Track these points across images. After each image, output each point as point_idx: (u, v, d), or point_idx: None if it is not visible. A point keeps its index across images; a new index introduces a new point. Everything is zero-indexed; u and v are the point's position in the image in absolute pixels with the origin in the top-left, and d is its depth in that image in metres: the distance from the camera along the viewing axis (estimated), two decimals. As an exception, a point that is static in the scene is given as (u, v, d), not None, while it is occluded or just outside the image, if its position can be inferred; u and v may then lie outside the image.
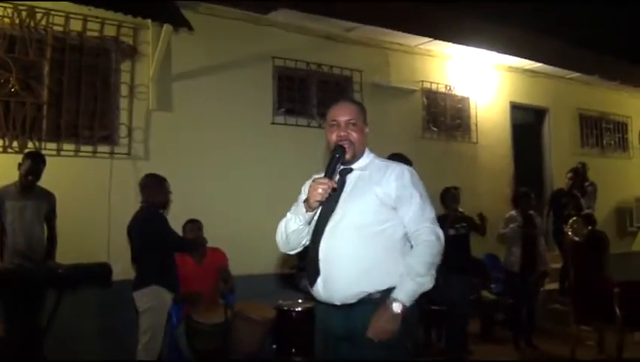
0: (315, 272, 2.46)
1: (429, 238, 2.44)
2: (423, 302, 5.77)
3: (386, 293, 2.39)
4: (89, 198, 5.53)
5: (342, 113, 2.57)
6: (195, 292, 4.93)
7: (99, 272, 4.47)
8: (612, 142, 10.76)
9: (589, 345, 6.01)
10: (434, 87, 8.22)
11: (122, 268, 4.87)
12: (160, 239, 4.39)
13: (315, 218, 2.51)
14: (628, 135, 11.02)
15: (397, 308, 2.34)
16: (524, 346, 6.24)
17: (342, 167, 2.54)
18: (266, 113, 6.75)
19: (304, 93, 7.19)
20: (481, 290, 6.85)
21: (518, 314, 6.38)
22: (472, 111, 8.62)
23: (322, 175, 2.45)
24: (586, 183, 8.82)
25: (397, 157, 2.88)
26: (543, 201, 8.86)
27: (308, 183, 2.61)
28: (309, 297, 5.72)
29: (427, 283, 2.41)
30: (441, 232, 2.50)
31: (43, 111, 5.54)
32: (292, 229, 2.54)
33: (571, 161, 9.13)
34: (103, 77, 5.85)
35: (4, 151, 5.25)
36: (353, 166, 2.57)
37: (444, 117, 8.34)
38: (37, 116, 5.49)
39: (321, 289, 2.46)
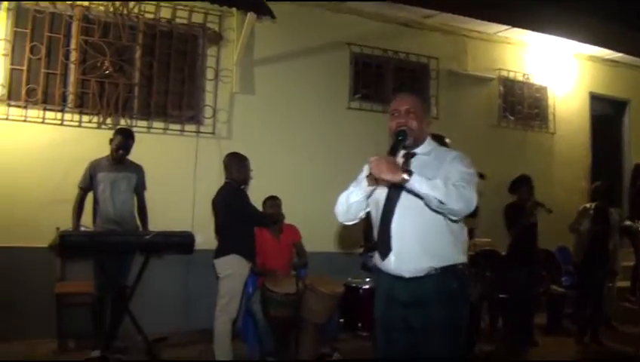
0: (388, 248, 2.70)
1: (467, 191, 2.50)
2: (489, 289, 5.89)
3: (448, 268, 2.66)
4: (176, 173, 5.98)
5: (401, 103, 2.80)
6: (271, 269, 5.21)
7: (183, 240, 4.69)
8: (696, 136, 10.22)
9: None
10: (511, 75, 8.16)
11: (204, 239, 5.15)
12: (241, 213, 4.66)
13: (384, 198, 2.73)
14: None
15: (407, 175, 2.43)
16: (589, 341, 6.12)
17: (405, 151, 2.76)
18: (342, 98, 6.97)
19: (380, 80, 7.31)
20: (550, 283, 6.79)
21: (583, 308, 6.26)
22: (550, 101, 8.50)
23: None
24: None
25: (436, 138, 3.06)
26: (622, 195, 8.63)
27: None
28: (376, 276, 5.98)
29: (440, 192, 2.44)
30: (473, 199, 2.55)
31: (134, 91, 6.00)
32: (353, 200, 2.75)
33: (653, 155, 8.87)
34: (190, 61, 6.23)
35: (99, 127, 5.75)
36: (416, 151, 2.78)
37: (521, 106, 8.27)
38: (129, 96, 5.97)
39: (392, 263, 2.70)
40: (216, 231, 4.86)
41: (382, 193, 2.74)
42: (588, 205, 6.40)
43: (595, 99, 8.95)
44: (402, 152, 2.76)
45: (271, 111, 6.52)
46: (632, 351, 5.65)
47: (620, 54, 8.68)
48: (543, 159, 8.22)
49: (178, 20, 6.11)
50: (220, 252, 4.63)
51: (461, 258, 2.73)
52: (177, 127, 6.09)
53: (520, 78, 8.24)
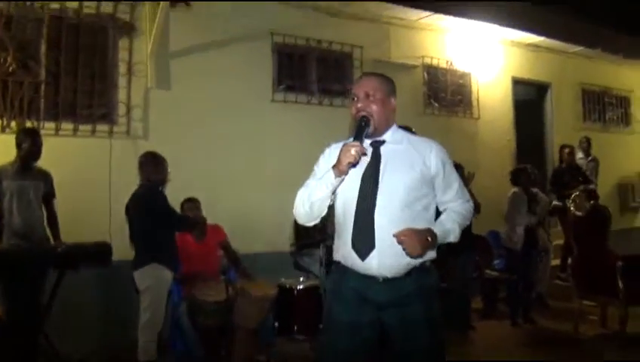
0: (370, 247, 2.46)
1: (469, 205, 2.74)
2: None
3: (425, 263, 2.55)
4: (89, 178, 5.51)
5: (360, 87, 2.62)
6: (195, 272, 4.92)
7: (98, 252, 4.45)
8: (615, 117, 10.67)
9: (591, 320, 6.02)
10: (435, 62, 8.14)
11: (124, 247, 4.83)
12: (160, 216, 4.32)
13: (356, 193, 2.51)
14: (630, 109, 10.93)
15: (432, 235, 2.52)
16: (522, 322, 6.21)
17: (372, 139, 2.58)
18: (266, 90, 6.70)
19: (304, 70, 7.10)
20: (484, 268, 6.83)
21: (516, 290, 6.35)
22: (474, 87, 8.55)
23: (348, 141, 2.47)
24: (589, 158, 8.79)
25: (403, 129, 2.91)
26: (545, 177, 8.81)
27: (327, 152, 2.67)
28: (310, 276, 5.78)
29: (454, 235, 2.63)
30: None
31: (41, 90, 5.49)
32: (318, 197, 2.51)
33: (574, 137, 9.08)
34: (100, 55, 5.79)
35: (3, 131, 5.21)
36: (384, 138, 2.60)
37: (445, 93, 8.28)
38: (34, 95, 5.44)
39: (375, 263, 2.47)
40: (131, 238, 4.50)
41: (351, 183, 2.51)
42: (516, 190, 6.43)
43: (517, 83, 9.09)
44: (368, 142, 2.55)
45: (190, 107, 6.13)
46: (568, 329, 5.82)
47: (541, 38, 8.84)
48: (468, 145, 8.23)
49: (86, 11, 5.62)
50: (138, 262, 4.27)
51: (434, 252, 2.58)
52: (88, 127, 5.62)
53: (443, 64, 8.23)
